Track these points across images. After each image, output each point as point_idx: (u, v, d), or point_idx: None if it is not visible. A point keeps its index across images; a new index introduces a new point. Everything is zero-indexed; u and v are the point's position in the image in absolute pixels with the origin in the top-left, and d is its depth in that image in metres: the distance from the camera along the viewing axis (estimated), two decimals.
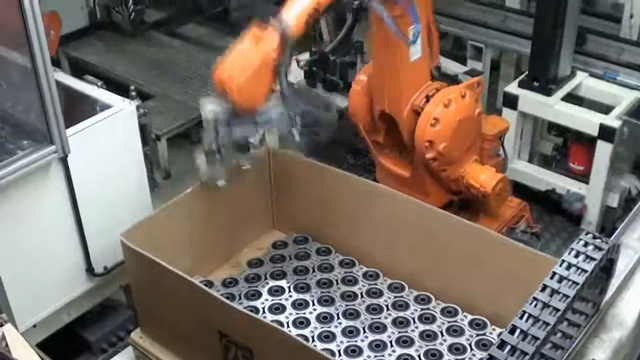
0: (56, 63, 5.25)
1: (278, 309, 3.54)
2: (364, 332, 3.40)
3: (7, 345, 2.69)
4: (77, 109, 3.92)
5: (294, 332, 3.36)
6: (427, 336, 3.36)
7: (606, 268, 2.68)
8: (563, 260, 2.51)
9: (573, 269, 2.48)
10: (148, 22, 7.41)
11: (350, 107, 4.29)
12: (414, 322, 3.44)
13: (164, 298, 3.25)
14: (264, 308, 3.55)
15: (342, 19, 3.67)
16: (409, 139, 3.97)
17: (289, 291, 3.64)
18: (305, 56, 5.34)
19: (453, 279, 3.47)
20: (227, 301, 2.97)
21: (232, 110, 3.11)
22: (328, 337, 3.37)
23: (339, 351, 3.30)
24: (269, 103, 3.15)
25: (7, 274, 3.55)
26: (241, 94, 3.06)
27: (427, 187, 4.09)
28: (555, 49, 4.90)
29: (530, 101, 5.03)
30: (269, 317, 3.47)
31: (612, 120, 4.75)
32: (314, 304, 3.56)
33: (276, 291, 3.64)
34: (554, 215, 5.22)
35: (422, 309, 3.50)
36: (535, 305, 2.38)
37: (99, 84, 4.19)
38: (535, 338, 2.30)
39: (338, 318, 3.47)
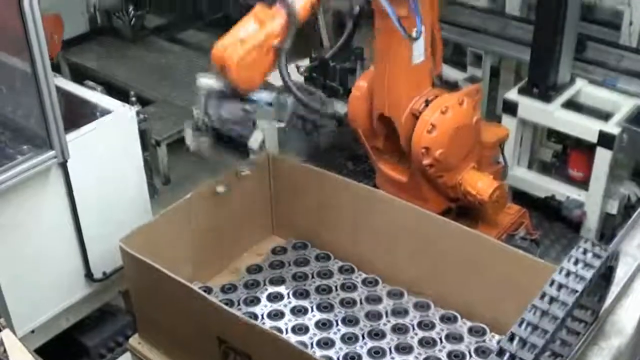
0: (56, 68, 5.26)
1: (277, 315, 3.54)
2: (363, 338, 3.39)
3: (5, 350, 2.69)
4: (77, 114, 3.91)
5: (292, 338, 3.36)
6: (427, 343, 3.35)
7: (605, 275, 2.67)
8: (562, 268, 2.50)
9: (572, 276, 2.47)
10: (148, 27, 7.44)
11: (349, 112, 4.28)
12: (413, 328, 3.44)
13: (163, 304, 3.25)
14: (262, 314, 3.54)
15: (342, 25, 3.67)
16: (406, 144, 3.97)
17: (288, 297, 3.64)
18: (305, 62, 5.34)
19: (452, 286, 3.47)
20: (226, 307, 2.97)
21: (227, 88, 3.09)
22: (327, 343, 3.37)
23: (338, 358, 3.30)
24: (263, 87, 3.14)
25: (6, 279, 3.54)
26: (240, 73, 3.05)
27: (425, 193, 4.08)
28: (555, 56, 4.90)
29: (530, 108, 5.03)
30: (268, 323, 3.46)
31: (611, 127, 4.74)
32: (313, 310, 3.55)
33: (275, 297, 3.64)
34: (553, 222, 5.21)
35: (421, 316, 3.50)
36: (534, 313, 2.37)
37: (99, 89, 4.19)
38: (534, 346, 2.29)
39: (337, 324, 3.47)
